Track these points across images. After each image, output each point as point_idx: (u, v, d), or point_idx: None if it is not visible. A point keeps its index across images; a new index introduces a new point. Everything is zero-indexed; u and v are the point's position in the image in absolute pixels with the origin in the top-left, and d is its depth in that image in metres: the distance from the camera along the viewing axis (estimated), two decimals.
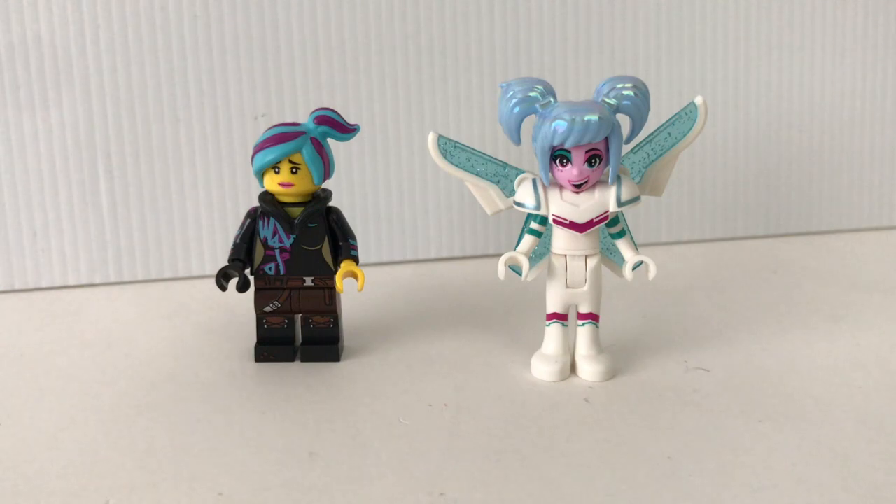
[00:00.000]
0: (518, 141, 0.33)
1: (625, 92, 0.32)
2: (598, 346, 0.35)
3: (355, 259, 0.36)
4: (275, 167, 0.35)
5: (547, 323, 0.35)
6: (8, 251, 0.47)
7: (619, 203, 0.33)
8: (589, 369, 0.35)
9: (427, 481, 0.27)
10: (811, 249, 0.54)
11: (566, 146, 0.32)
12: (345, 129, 0.36)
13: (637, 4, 0.52)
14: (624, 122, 0.33)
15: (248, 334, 0.38)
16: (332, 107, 0.36)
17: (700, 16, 0.53)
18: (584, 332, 0.35)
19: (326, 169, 0.36)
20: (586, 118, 0.31)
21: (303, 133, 0.35)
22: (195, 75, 0.47)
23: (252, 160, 0.35)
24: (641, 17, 0.52)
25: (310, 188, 0.36)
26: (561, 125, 0.31)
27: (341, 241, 0.36)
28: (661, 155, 0.35)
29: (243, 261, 0.36)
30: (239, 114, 0.48)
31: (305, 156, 0.35)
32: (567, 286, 0.34)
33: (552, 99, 0.33)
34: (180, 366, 0.37)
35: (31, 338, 0.40)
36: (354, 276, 0.35)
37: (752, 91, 0.54)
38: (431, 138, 0.35)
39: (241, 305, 0.40)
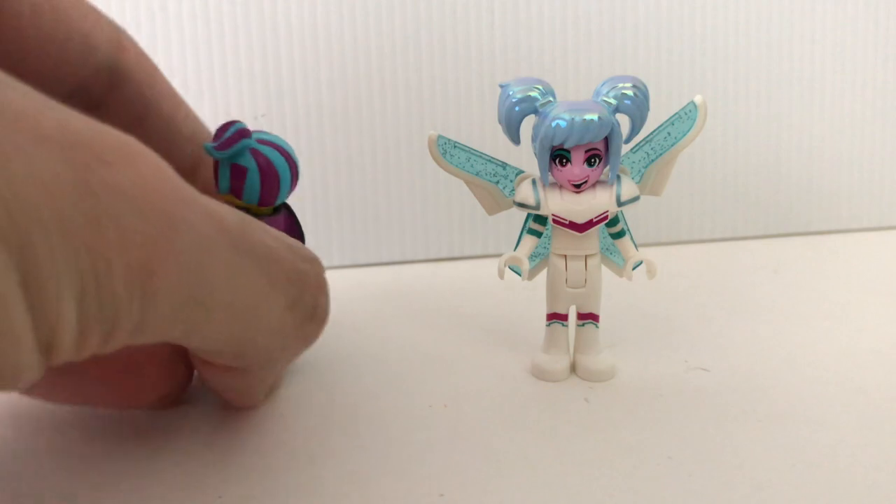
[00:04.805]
0: (518, 141, 0.33)
1: (625, 92, 0.32)
2: (598, 346, 0.35)
3: None
4: None
5: (547, 323, 0.35)
6: None
7: (619, 203, 0.33)
8: (589, 369, 0.35)
9: (427, 482, 0.27)
10: (811, 249, 0.54)
11: (566, 146, 0.31)
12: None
13: (637, 5, 0.52)
14: (624, 121, 0.33)
15: None
16: (237, 123, 0.33)
17: (700, 16, 0.53)
18: (584, 332, 0.35)
19: (214, 179, 0.33)
20: (586, 118, 0.31)
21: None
22: (195, 75, 0.47)
23: None
24: (641, 17, 0.52)
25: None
26: (561, 125, 0.31)
27: None
28: (660, 155, 0.35)
29: None
30: (239, 114, 0.48)
31: None
32: (567, 286, 0.34)
33: (552, 99, 0.33)
34: None
35: None
36: None
37: (752, 91, 0.54)
38: (431, 138, 0.34)
39: None
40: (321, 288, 0.28)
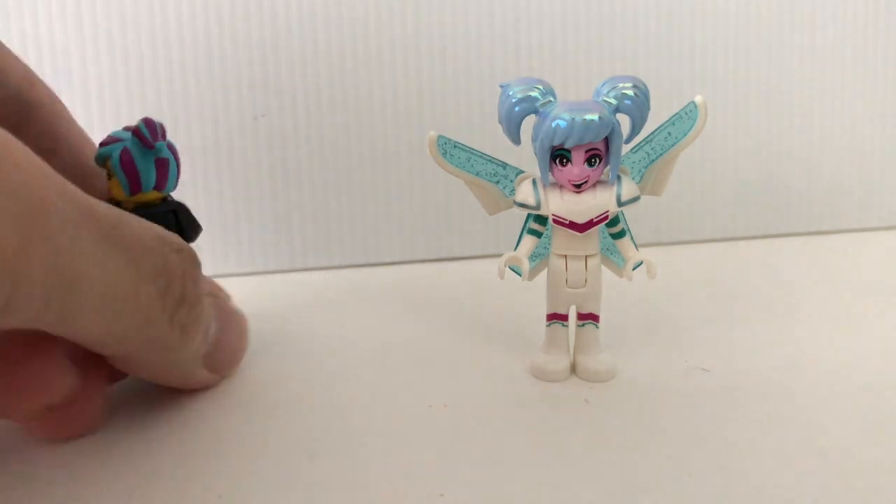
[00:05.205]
0: (518, 141, 0.33)
1: (625, 91, 0.32)
2: (598, 346, 0.35)
3: None
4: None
5: (547, 323, 0.35)
6: None
7: (619, 203, 0.33)
8: (589, 369, 0.35)
9: (427, 482, 0.27)
10: (811, 249, 0.54)
11: (566, 146, 0.31)
12: (146, 144, 0.33)
13: (637, 4, 0.52)
14: (624, 121, 0.33)
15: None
16: (155, 119, 0.34)
17: (700, 16, 0.53)
18: (584, 333, 0.35)
19: (132, 180, 0.33)
20: (586, 118, 0.31)
21: (118, 140, 0.34)
22: (195, 75, 0.47)
23: None
24: (641, 17, 0.52)
25: (122, 197, 0.34)
26: (561, 125, 0.31)
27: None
28: (661, 155, 0.35)
29: None
30: (238, 114, 0.48)
31: (112, 164, 0.33)
32: (567, 286, 0.34)
33: (552, 99, 0.33)
34: None
35: None
36: None
37: (752, 91, 0.54)
38: (431, 138, 0.34)
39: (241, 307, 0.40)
40: (188, 276, 0.29)
